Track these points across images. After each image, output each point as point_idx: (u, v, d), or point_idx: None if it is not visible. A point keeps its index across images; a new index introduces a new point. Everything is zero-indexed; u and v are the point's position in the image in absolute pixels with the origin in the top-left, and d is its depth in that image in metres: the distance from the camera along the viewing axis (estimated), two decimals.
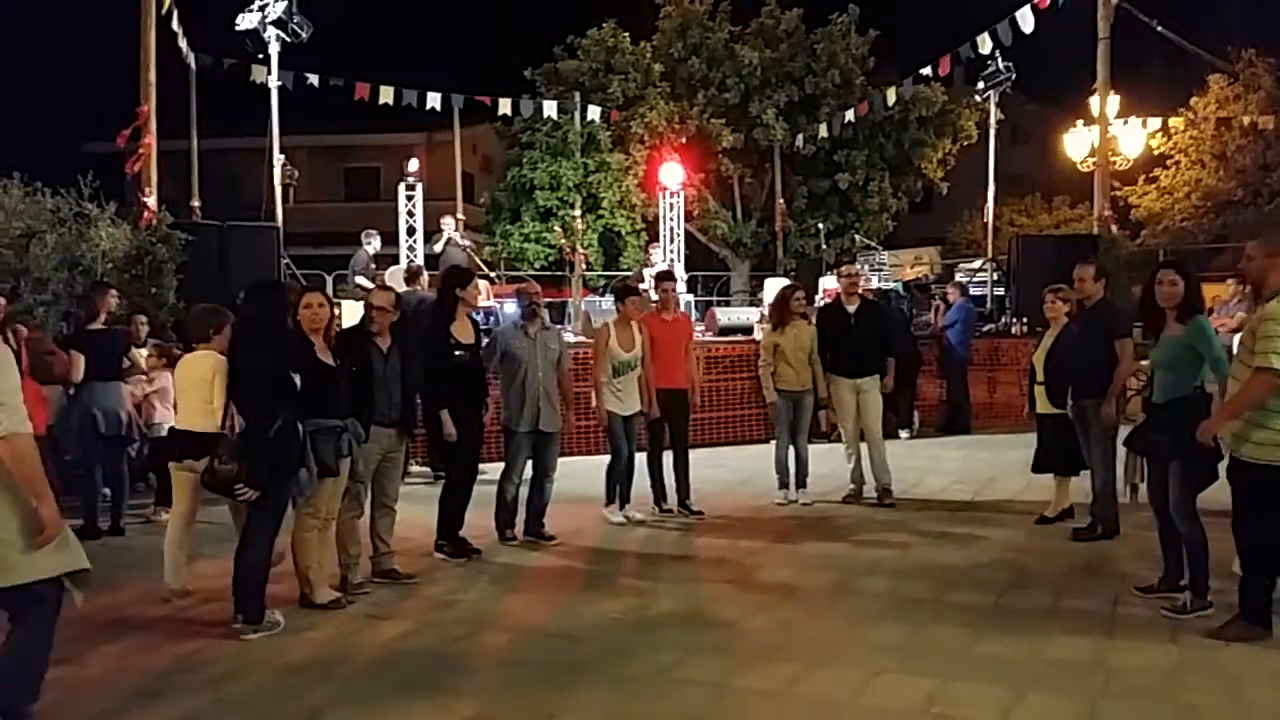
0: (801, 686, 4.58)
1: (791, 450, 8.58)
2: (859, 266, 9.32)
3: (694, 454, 8.46)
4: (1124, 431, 7.19)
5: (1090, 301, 7.24)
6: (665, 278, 8.55)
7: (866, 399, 8.51)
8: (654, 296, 8.69)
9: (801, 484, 8.63)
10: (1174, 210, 23.55)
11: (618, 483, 7.98)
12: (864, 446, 8.64)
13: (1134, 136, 19.93)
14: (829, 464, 9.21)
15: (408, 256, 16.97)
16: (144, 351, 9.61)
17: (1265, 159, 22.58)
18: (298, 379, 5.35)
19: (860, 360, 8.47)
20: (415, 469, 9.63)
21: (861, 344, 8.48)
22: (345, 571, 6.17)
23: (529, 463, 7.42)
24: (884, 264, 17.94)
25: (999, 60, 16.03)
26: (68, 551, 3.95)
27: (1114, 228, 16.05)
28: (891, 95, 19.08)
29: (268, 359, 5.32)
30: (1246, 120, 21.53)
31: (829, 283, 14.99)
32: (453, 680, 4.72)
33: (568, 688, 4.59)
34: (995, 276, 16.41)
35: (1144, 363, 6.47)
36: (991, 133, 16.88)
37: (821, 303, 12.31)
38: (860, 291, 8.88)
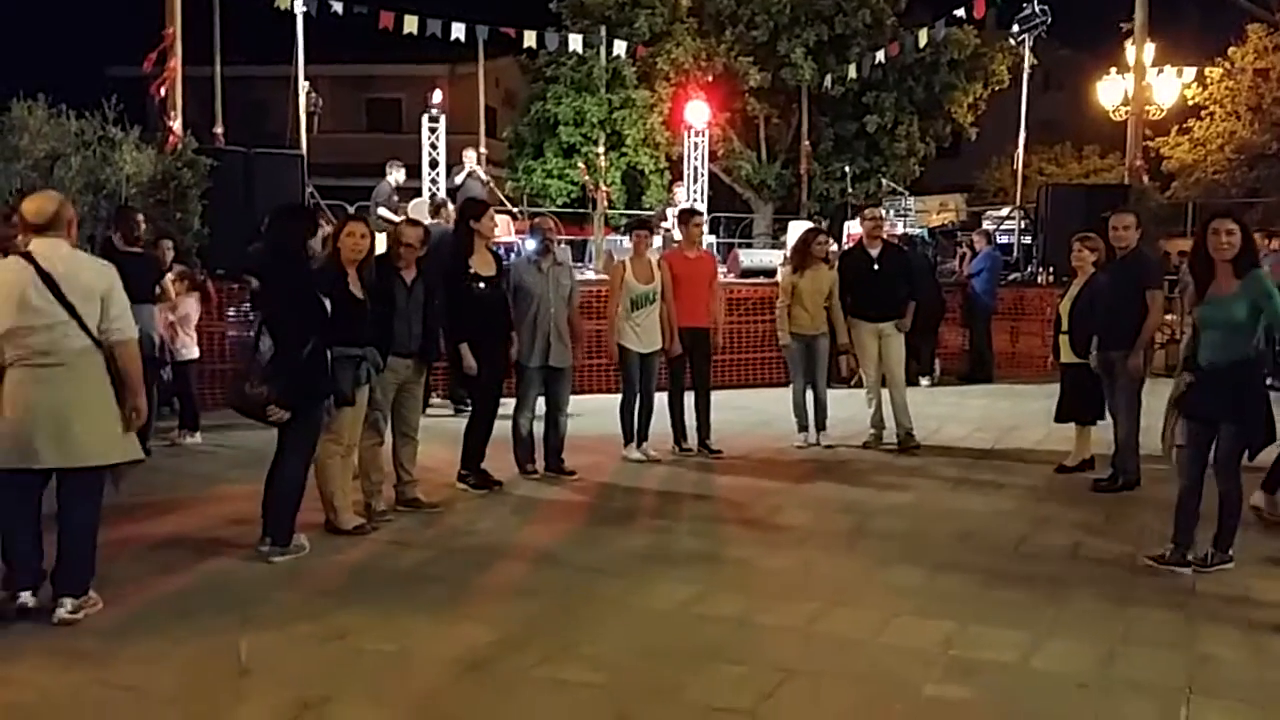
0: (821, 625, 4.61)
1: (810, 394, 8.57)
2: (884, 211, 9.21)
3: (715, 395, 8.46)
4: (1149, 384, 7.20)
5: (1124, 251, 7.15)
6: (692, 213, 8.50)
7: (889, 343, 8.47)
8: (676, 236, 8.66)
9: (821, 427, 8.63)
10: (1206, 163, 23.18)
11: (634, 420, 7.99)
12: (885, 392, 8.62)
13: (1169, 86, 19.52)
14: (849, 408, 9.20)
15: (429, 189, 16.87)
16: (169, 277, 9.66)
17: None
18: (328, 304, 5.36)
19: (882, 304, 8.42)
20: (436, 401, 9.67)
21: (884, 288, 8.42)
22: (368, 499, 6.24)
23: (540, 398, 7.43)
24: (910, 209, 17.76)
25: (1035, 3, 15.69)
26: (136, 443, 4.74)
27: (1145, 179, 15.79)
28: (923, 37, 18.70)
29: (297, 283, 5.34)
30: None
31: (854, 227, 14.88)
32: (474, 607, 4.79)
33: (588, 619, 4.65)
34: (1023, 225, 16.22)
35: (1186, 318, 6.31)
36: (1025, 78, 16.57)
37: (846, 247, 12.20)
38: (884, 235, 8.80)
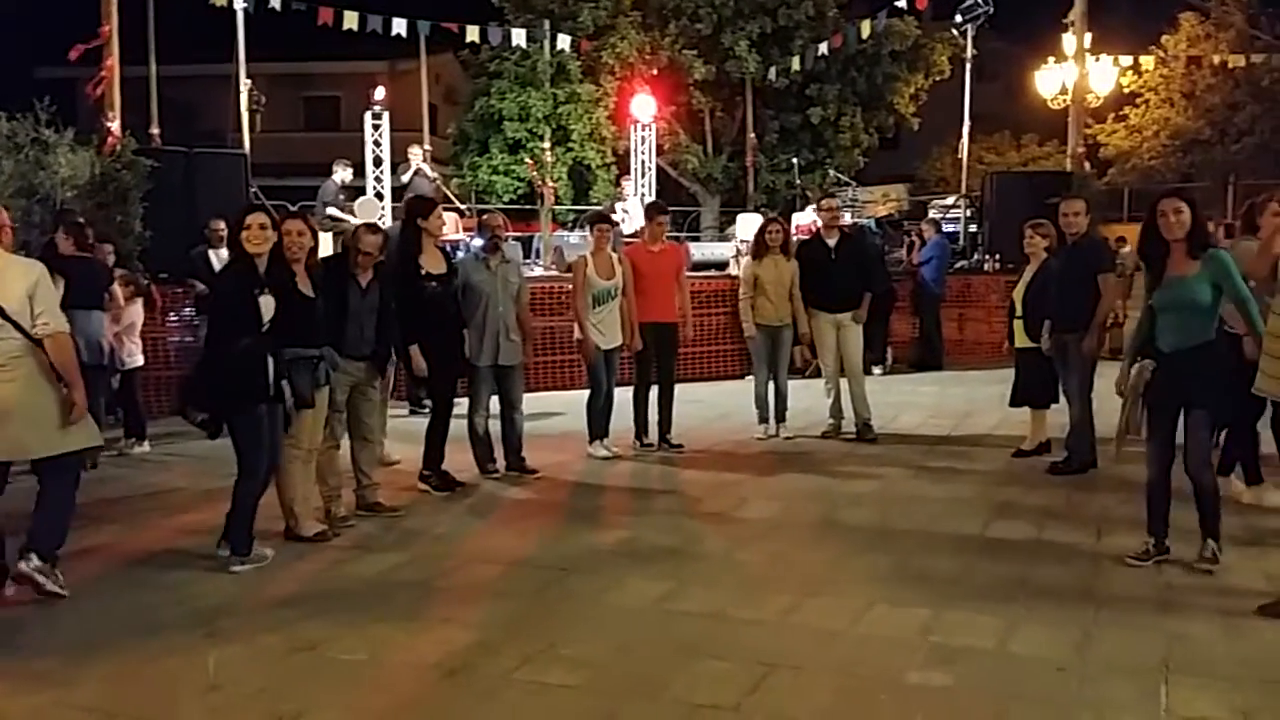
0: (797, 617, 4.59)
1: (771, 385, 8.57)
2: (837, 201, 9.23)
3: None
4: (1100, 366, 7.30)
5: (1075, 236, 7.25)
6: (657, 210, 8.44)
7: (847, 334, 8.49)
8: (625, 230, 8.57)
9: (781, 419, 8.64)
10: (1142, 149, 23.69)
11: (598, 417, 7.93)
12: (843, 382, 8.65)
13: (1104, 74, 19.88)
14: (806, 399, 9.23)
15: (374, 187, 16.66)
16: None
17: (1233, 98, 22.71)
18: (269, 306, 5.20)
19: (841, 295, 8.43)
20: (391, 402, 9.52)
21: (842, 278, 8.43)
22: (328, 505, 6.11)
23: (494, 397, 7.34)
24: (857, 200, 17.87)
25: None
26: (88, 430, 4.93)
27: (1086, 165, 16.06)
28: (866, 28, 18.83)
29: (226, 284, 5.28)
30: (1216, 59, 21.58)
31: (803, 218, 14.94)
32: (448, 611, 4.70)
33: (564, 618, 4.58)
34: (968, 214, 16.40)
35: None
36: (968, 67, 16.74)
37: (797, 239, 12.24)
38: (841, 225, 8.83)
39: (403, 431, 8.17)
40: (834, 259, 8.46)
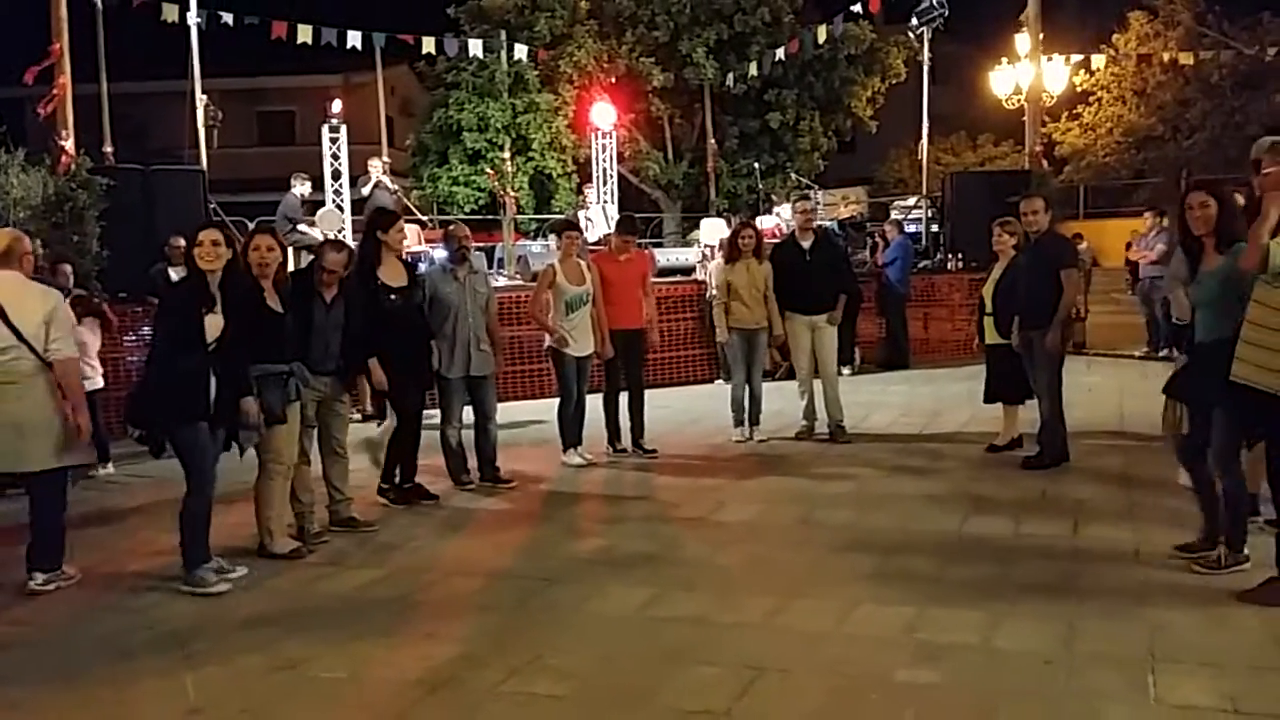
0: (782, 619, 4.57)
1: (745, 388, 8.56)
2: (811, 203, 9.23)
3: None
4: (1068, 361, 7.36)
5: (1036, 234, 7.31)
6: (627, 229, 8.42)
7: (822, 336, 8.49)
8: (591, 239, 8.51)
9: (755, 421, 8.62)
10: (1096, 146, 24.03)
11: (572, 425, 7.88)
12: (815, 383, 8.65)
13: (1057, 73, 20.11)
14: (777, 401, 9.23)
15: (334, 200, 16.49)
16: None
17: (1184, 95, 23.10)
18: (215, 325, 5.08)
19: (817, 297, 8.43)
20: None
21: (817, 280, 8.43)
22: (301, 521, 6.01)
23: (467, 408, 7.27)
24: (818, 203, 17.95)
25: None
26: (83, 449, 5.32)
27: (1043, 163, 16.24)
28: (822, 33, 18.94)
29: (173, 300, 5.29)
30: (1166, 57, 21.93)
31: (767, 221, 14.98)
32: (429, 626, 4.63)
33: (547, 629, 4.53)
34: (930, 214, 16.53)
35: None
36: (925, 70, 16.89)
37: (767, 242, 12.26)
38: (815, 227, 8.85)
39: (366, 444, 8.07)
40: (809, 261, 8.46)
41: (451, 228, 7.70)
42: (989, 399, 8.01)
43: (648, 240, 21.64)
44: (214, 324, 5.10)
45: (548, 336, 7.80)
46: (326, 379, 6.07)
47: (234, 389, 5.23)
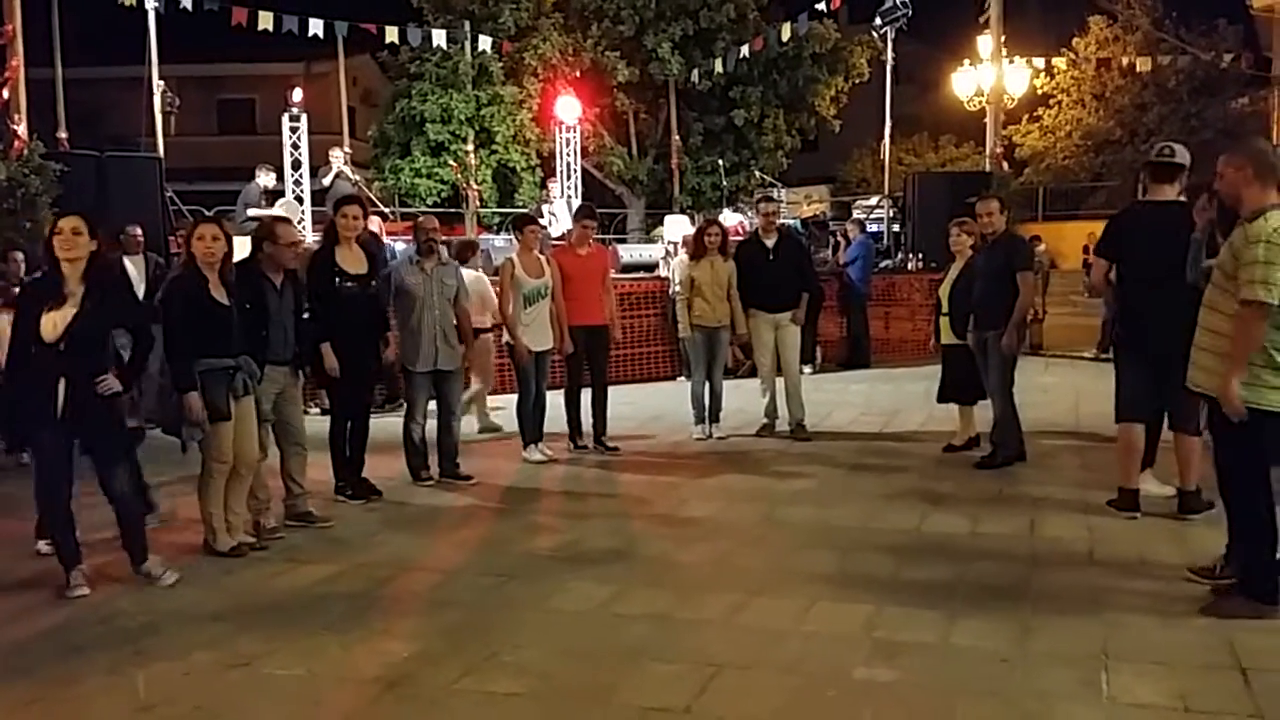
0: (742, 616, 4.57)
1: (706, 385, 8.56)
2: (777, 204, 9.23)
3: None
4: (1020, 362, 7.42)
5: (993, 235, 7.37)
6: (586, 214, 8.35)
7: (785, 334, 8.51)
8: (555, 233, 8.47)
9: (715, 419, 8.64)
10: (1056, 149, 24.32)
11: (531, 420, 7.84)
12: (778, 381, 8.68)
13: (1018, 76, 20.36)
14: (737, 399, 9.25)
15: (294, 191, 16.30)
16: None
17: (1142, 99, 23.43)
18: (55, 322, 4.75)
19: (780, 295, 8.45)
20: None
21: (780, 278, 8.45)
22: (257, 516, 5.92)
23: (432, 402, 7.20)
24: (782, 201, 18.02)
25: None
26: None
27: (1004, 165, 16.42)
28: (786, 31, 19.05)
29: (22, 298, 5.04)
30: (1125, 61, 22.23)
31: (730, 219, 15.00)
32: (385, 623, 4.58)
33: (506, 626, 4.49)
34: (892, 214, 16.64)
35: None
36: (888, 69, 17.01)
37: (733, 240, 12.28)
38: (779, 226, 8.87)
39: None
40: (772, 259, 8.47)
41: (420, 220, 7.61)
42: (942, 399, 8.07)
43: (611, 236, 21.65)
44: (57, 320, 4.73)
45: (505, 332, 7.74)
46: (284, 368, 5.98)
47: (174, 384, 5.15)
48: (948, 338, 7.84)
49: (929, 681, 3.87)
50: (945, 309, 7.89)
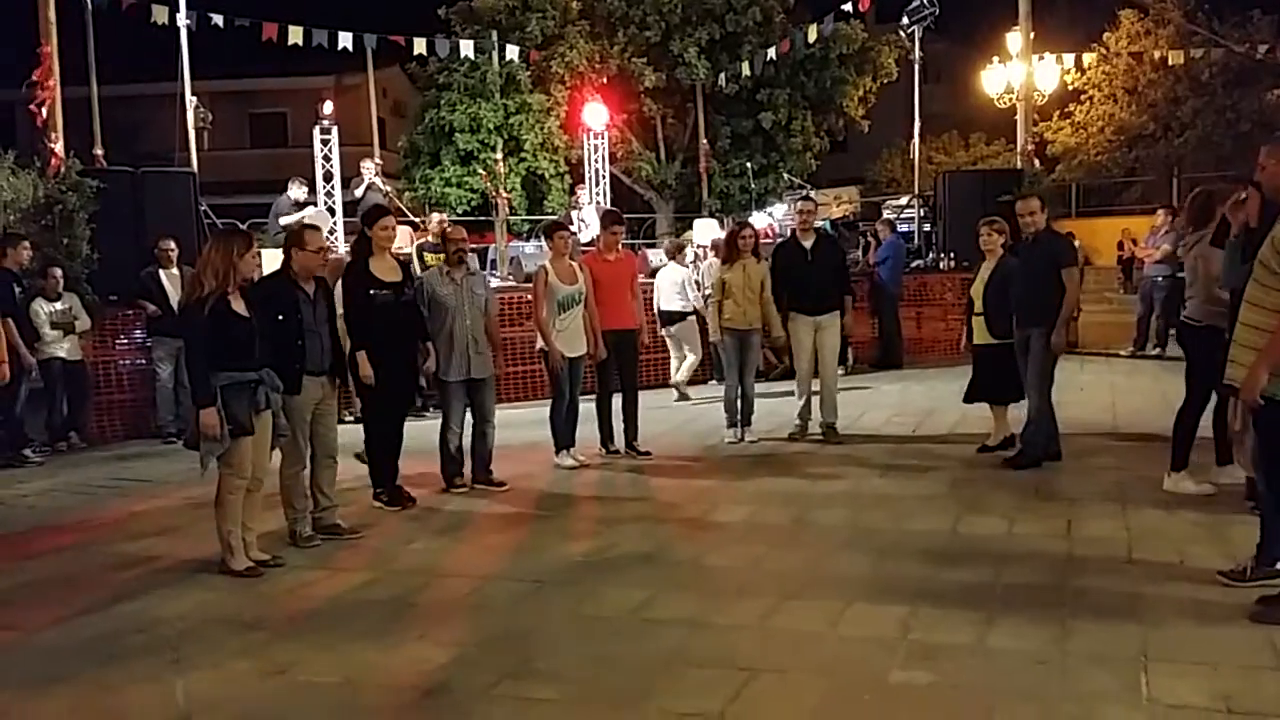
0: (776, 620, 4.56)
1: (738, 388, 8.54)
2: (812, 204, 9.16)
3: None
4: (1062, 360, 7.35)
5: (1033, 232, 7.29)
6: (613, 219, 8.37)
7: (824, 336, 8.47)
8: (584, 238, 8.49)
9: (747, 422, 8.60)
10: (1088, 145, 24.04)
11: (564, 427, 7.85)
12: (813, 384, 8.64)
13: (1048, 72, 20.14)
14: (769, 402, 9.25)
15: (326, 202, 16.44)
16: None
17: (1175, 93, 23.13)
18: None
19: (819, 297, 8.41)
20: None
21: (819, 280, 8.41)
22: (293, 526, 5.99)
23: (467, 410, 7.24)
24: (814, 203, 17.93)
25: None
26: None
27: (1035, 162, 16.25)
28: (813, 33, 18.93)
29: None
30: (1157, 55, 21.95)
31: (759, 221, 14.99)
32: (421, 629, 4.60)
33: (540, 632, 4.51)
34: (922, 213, 16.54)
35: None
36: (916, 68, 16.90)
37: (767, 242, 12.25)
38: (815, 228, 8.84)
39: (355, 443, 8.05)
40: (810, 261, 8.44)
41: (448, 230, 7.65)
42: (970, 399, 7.97)
43: (640, 241, 21.66)
44: None
45: (539, 338, 7.75)
46: (322, 379, 6.00)
47: (192, 399, 5.18)
48: (981, 338, 7.76)
49: (966, 684, 3.84)
50: (978, 309, 7.81)
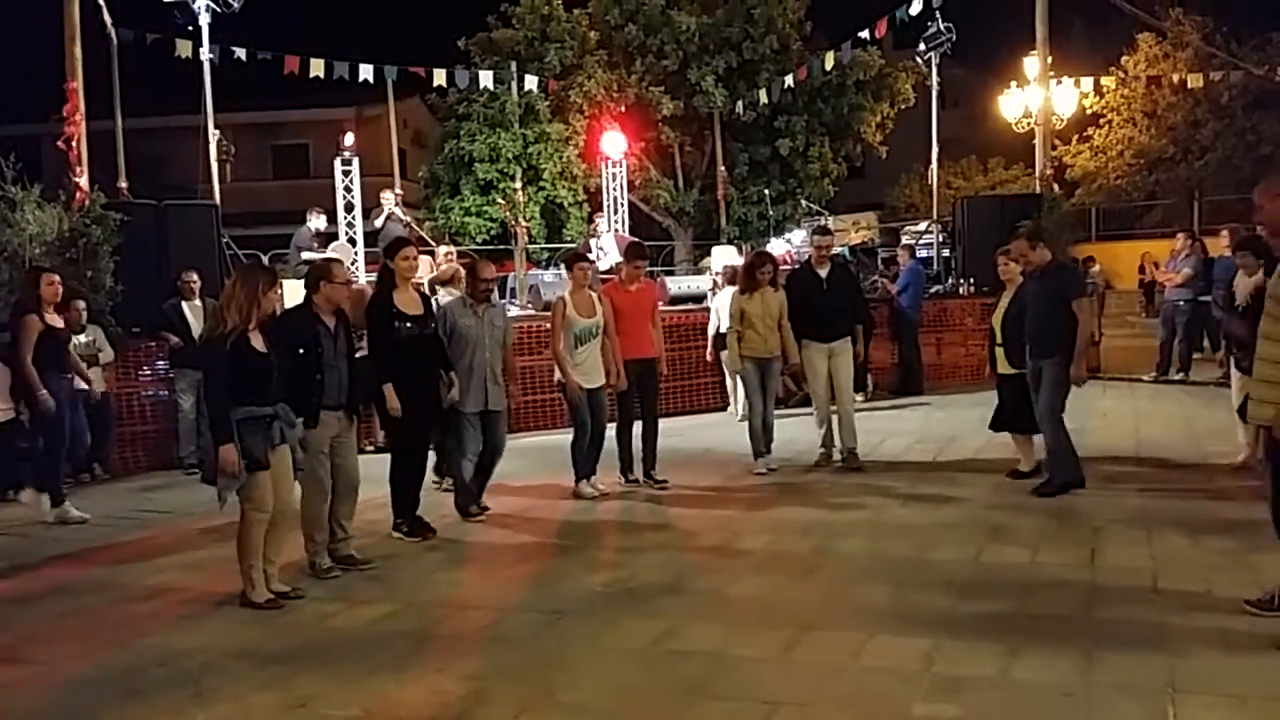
0: (798, 652, 4.52)
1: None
2: (830, 236, 9.19)
3: None
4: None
5: (1036, 267, 7.24)
6: (636, 254, 8.40)
7: (839, 362, 8.48)
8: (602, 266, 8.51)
9: (767, 450, 8.57)
10: (1108, 169, 23.98)
11: (585, 457, 7.85)
12: (832, 411, 8.60)
13: (1066, 96, 20.15)
14: (789, 429, 9.19)
15: (347, 233, 16.58)
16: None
17: (1195, 116, 23.06)
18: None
19: (833, 325, 8.43)
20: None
21: (834, 309, 8.44)
22: (313, 558, 5.98)
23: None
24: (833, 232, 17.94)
25: (939, 21, 16.05)
26: None
27: (1054, 186, 16.22)
28: (830, 59, 19.04)
29: None
30: (1176, 78, 21.91)
31: (777, 248, 15.00)
32: (440, 661, 4.59)
33: (560, 663, 4.49)
34: (941, 239, 16.51)
35: None
36: (934, 94, 16.93)
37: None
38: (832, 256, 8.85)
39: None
40: (825, 289, 8.47)
41: (476, 266, 7.64)
42: (996, 426, 7.93)
43: (659, 268, 21.72)
44: None
45: (557, 370, 7.76)
46: (338, 413, 6.02)
47: (211, 434, 5.17)
48: (1003, 367, 7.71)
49: (991, 717, 3.80)
50: (999, 339, 7.76)
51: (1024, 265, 7.32)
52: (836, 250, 16.20)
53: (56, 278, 7.94)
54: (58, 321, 7.92)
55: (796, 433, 9.13)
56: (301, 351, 5.74)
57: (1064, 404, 7.18)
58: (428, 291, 9.73)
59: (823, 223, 18.58)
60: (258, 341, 5.37)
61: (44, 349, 7.59)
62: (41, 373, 7.53)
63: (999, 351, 7.75)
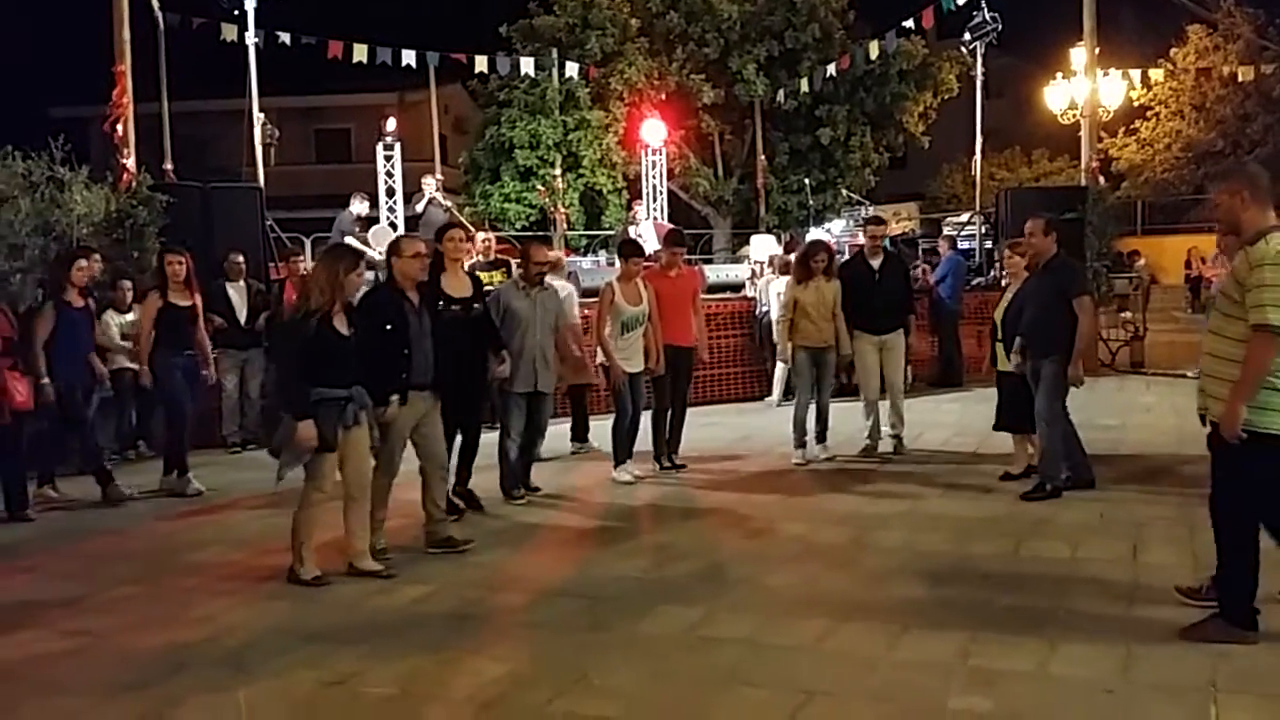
0: (832, 642, 4.52)
1: (813, 407, 8.48)
2: (883, 227, 9.12)
3: (689, 411, 8.44)
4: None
5: (1043, 259, 7.00)
6: (675, 240, 8.43)
7: (890, 355, 8.52)
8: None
9: (822, 439, 8.52)
10: (1154, 162, 23.65)
11: (624, 441, 7.88)
12: (880, 403, 8.60)
13: (1113, 88, 19.83)
14: (832, 419, 9.12)
15: (388, 218, 16.71)
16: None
17: (1244, 109, 22.69)
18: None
19: (885, 317, 8.43)
20: None
21: (886, 300, 8.42)
22: (372, 536, 6.01)
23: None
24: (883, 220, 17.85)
25: (985, 10, 15.86)
26: None
27: (1100, 179, 16.00)
28: (874, 49, 18.86)
29: None
30: (1226, 71, 21.53)
31: (816, 236, 14.91)
32: (478, 643, 4.64)
33: (595, 648, 4.52)
34: (983, 230, 16.36)
35: None
36: (978, 84, 16.76)
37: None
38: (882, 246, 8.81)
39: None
40: (878, 280, 8.45)
41: (531, 250, 7.66)
42: (1000, 426, 7.65)
43: (698, 256, 21.68)
44: None
45: (600, 353, 7.80)
46: (426, 393, 5.98)
47: (290, 411, 5.23)
48: (1003, 364, 7.41)
49: (1028, 712, 3.78)
50: (1000, 334, 7.54)
51: (1029, 258, 7.13)
52: None
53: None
54: (184, 300, 8.16)
55: (835, 423, 9.07)
56: (389, 328, 5.76)
57: (1064, 405, 6.99)
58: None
59: (873, 212, 18.47)
60: (340, 324, 5.41)
61: (163, 325, 8.00)
62: (160, 349, 7.98)
63: (1000, 348, 7.52)
